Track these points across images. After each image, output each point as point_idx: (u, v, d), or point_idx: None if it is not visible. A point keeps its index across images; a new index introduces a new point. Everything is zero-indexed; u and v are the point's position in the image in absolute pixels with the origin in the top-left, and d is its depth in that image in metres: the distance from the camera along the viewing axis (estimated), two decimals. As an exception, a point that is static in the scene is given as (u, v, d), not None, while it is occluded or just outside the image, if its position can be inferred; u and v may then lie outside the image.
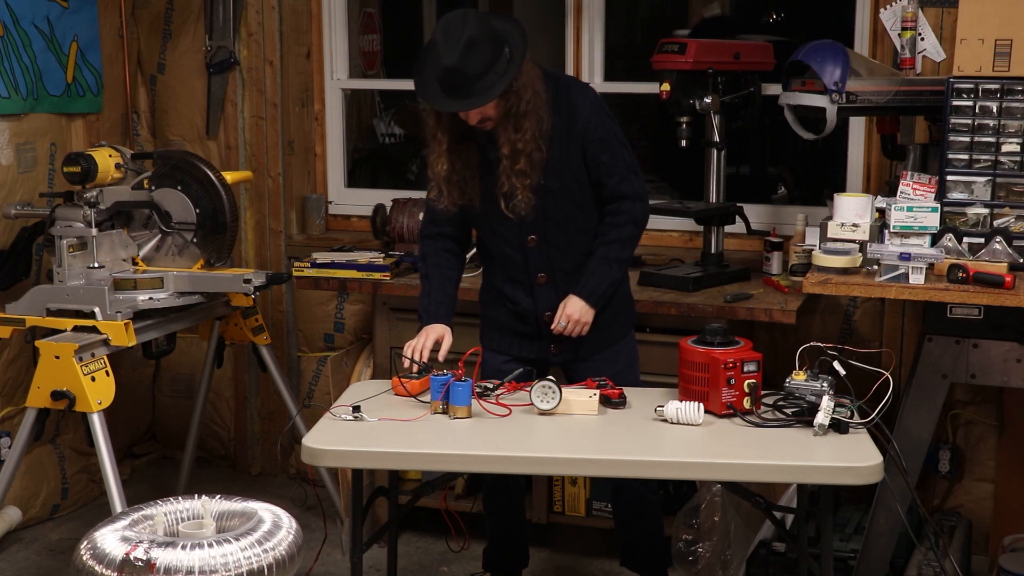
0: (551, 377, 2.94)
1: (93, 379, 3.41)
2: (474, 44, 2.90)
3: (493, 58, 2.94)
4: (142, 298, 3.63)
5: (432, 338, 3.17)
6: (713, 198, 3.80)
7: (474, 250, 3.54)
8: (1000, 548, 3.74)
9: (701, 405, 2.84)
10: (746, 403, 2.85)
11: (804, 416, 2.79)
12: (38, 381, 3.43)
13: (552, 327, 3.18)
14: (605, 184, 3.17)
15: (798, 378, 2.86)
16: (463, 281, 3.82)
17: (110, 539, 2.52)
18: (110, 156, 3.78)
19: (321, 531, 3.80)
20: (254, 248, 4.67)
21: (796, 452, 2.69)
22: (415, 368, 3.10)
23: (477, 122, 3.03)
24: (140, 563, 2.43)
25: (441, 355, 3.16)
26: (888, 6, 3.84)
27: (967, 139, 3.24)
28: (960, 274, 3.06)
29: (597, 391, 2.97)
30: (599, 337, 3.25)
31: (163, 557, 2.44)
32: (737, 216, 3.86)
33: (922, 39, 3.79)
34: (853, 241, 3.25)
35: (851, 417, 2.77)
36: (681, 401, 2.86)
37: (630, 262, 3.31)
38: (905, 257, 3.11)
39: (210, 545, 2.47)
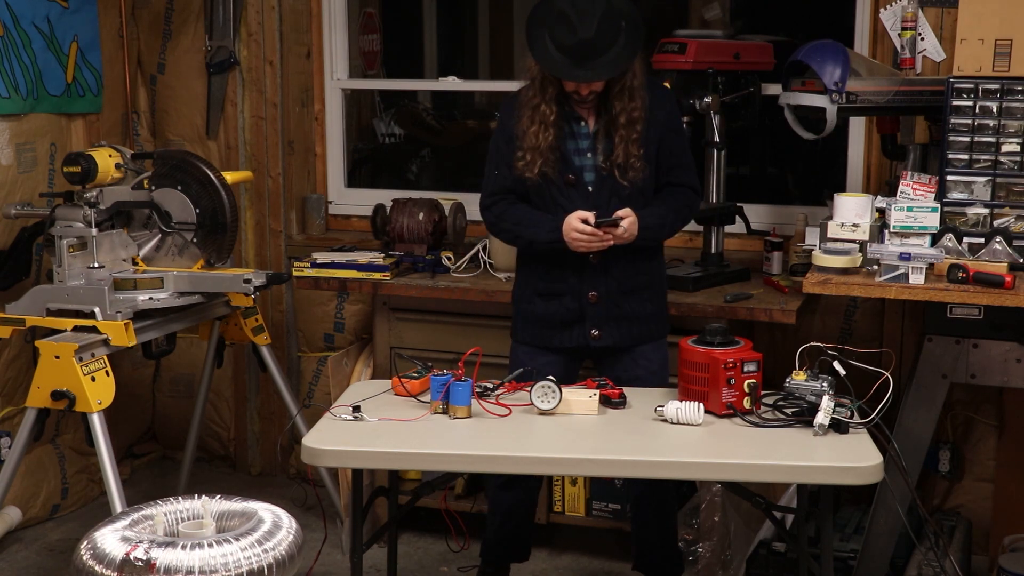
0: (551, 377, 2.94)
1: (93, 379, 3.41)
2: (606, 18, 3.05)
3: (618, 31, 3.07)
4: (142, 298, 3.63)
5: (577, 216, 3.14)
6: (713, 198, 3.80)
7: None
8: (1000, 548, 3.75)
9: (701, 405, 2.84)
10: (746, 403, 2.85)
11: (804, 416, 2.79)
12: (38, 381, 3.43)
13: (611, 215, 3.13)
14: (678, 175, 3.28)
15: (798, 378, 2.86)
16: (465, 282, 3.83)
17: (110, 539, 2.52)
18: (110, 156, 3.78)
19: (321, 531, 3.80)
20: (254, 248, 4.66)
21: (796, 452, 2.69)
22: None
23: (587, 93, 3.14)
24: (140, 563, 2.43)
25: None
26: (888, 6, 3.84)
27: (967, 139, 3.24)
28: (960, 274, 3.06)
29: (597, 391, 2.97)
30: (644, 329, 3.29)
31: (163, 557, 2.44)
32: (737, 216, 3.86)
33: (922, 39, 3.79)
34: (853, 241, 3.25)
35: (851, 417, 2.77)
36: (681, 401, 2.86)
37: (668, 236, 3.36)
38: (905, 257, 3.11)
39: (210, 545, 2.47)
